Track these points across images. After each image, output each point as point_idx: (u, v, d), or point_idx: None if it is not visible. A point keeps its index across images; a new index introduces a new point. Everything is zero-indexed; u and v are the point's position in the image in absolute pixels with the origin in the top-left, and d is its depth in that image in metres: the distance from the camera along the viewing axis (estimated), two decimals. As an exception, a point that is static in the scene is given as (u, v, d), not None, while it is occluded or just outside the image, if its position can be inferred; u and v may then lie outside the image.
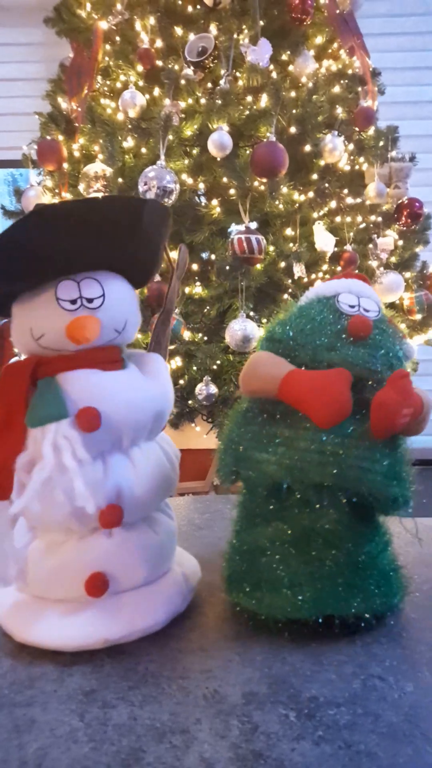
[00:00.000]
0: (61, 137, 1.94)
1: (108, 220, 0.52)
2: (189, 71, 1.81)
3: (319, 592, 0.50)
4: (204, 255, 1.83)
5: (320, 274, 1.86)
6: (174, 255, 0.67)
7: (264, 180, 1.67)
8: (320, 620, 0.51)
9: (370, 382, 0.52)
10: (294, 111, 1.76)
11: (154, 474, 0.55)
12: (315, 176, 1.85)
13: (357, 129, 1.96)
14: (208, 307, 1.81)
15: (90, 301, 0.53)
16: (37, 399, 0.51)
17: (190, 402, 1.74)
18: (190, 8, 1.92)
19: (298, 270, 1.75)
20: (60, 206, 0.52)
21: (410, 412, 0.48)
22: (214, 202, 1.80)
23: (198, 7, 1.91)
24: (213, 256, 1.78)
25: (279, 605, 0.51)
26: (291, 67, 1.89)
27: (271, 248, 1.78)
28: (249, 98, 1.76)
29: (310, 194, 1.86)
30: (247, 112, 1.75)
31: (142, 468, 0.54)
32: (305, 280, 1.79)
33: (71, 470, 0.49)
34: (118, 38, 1.96)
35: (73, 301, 0.52)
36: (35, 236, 0.49)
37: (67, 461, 0.49)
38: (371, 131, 2.00)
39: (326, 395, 0.49)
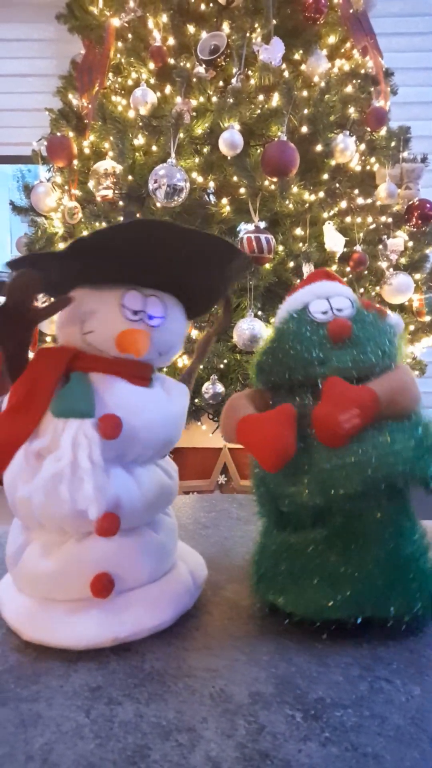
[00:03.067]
0: (71, 134, 1.94)
1: (203, 254, 0.53)
2: (201, 69, 1.81)
3: (358, 592, 0.49)
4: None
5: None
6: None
7: (274, 179, 1.67)
8: (359, 621, 0.50)
9: (372, 377, 0.52)
10: (306, 110, 1.76)
11: (153, 487, 0.55)
12: (326, 176, 1.84)
13: (369, 129, 1.95)
14: (215, 306, 1.81)
15: (151, 318, 0.54)
16: (67, 391, 0.51)
17: (196, 401, 1.74)
18: (202, 6, 1.91)
19: (308, 270, 1.75)
20: (165, 226, 0.53)
21: (354, 413, 0.48)
22: (224, 200, 1.80)
23: (211, 5, 1.90)
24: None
25: (317, 604, 0.50)
26: (303, 67, 1.89)
27: (281, 248, 1.77)
28: (261, 97, 1.76)
29: (321, 194, 1.85)
30: (259, 111, 1.74)
31: (143, 482, 0.54)
32: (314, 280, 1.78)
33: (84, 470, 0.49)
34: (130, 35, 1.96)
35: (136, 312, 0.53)
36: (133, 242, 0.50)
37: (82, 460, 0.49)
38: (383, 132, 1.99)
39: (265, 440, 0.49)
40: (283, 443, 0.49)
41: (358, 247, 1.86)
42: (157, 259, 0.52)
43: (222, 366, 1.74)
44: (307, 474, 0.50)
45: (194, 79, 1.76)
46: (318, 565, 0.51)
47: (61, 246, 1.87)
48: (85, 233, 1.78)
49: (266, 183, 1.71)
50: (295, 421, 0.50)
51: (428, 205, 1.96)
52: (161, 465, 0.59)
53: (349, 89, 1.90)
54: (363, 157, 1.97)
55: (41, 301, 0.55)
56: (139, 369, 0.56)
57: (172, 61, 1.87)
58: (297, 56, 1.92)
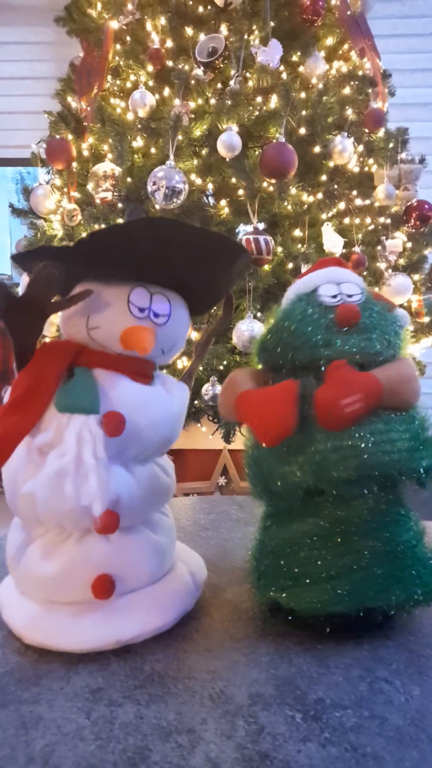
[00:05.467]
0: (70, 136, 1.94)
1: (209, 252, 0.53)
2: (199, 71, 1.81)
3: (358, 583, 0.49)
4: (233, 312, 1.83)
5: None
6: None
7: (273, 181, 1.67)
8: (361, 613, 0.50)
9: (375, 365, 0.52)
10: (304, 112, 1.76)
11: (151, 485, 0.55)
12: (324, 177, 1.84)
13: (367, 130, 1.96)
14: (215, 308, 1.81)
15: (156, 315, 0.54)
16: (72, 386, 0.51)
17: (196, 402, 1.74)
18: (200, 9, 1.91)
19: (306, 271, 1.75)
20: (175, 224, 0.53)
21: (356, 398, 0.48)
22: (223, 202, 1.80)
23: (209, 7, 1.91)
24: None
25: (319, 600, 0.50)
26: (301, 68, 1.89)
27: (279, 249, 1.77)
28: (259, 99, 1.76)
29: (319, 195, 1.86)
30: (257, 113, 1.74)
31: (141, 481, 0.54)
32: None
33: (88, 466, 0.49)
34: (128, 38, 1.96)
35: (142, 310, 0.54)
36: (142, 239, 0.50)
37: (86, 456, 0.49)
38: (381, 133, 2.00)
39: (267, 414, 0.50)
40: (285, 418, 0.49)
41: (356, 249, 1.86)
42: (164, 256, 0.52)
43: (221, 367, 1.74)
44: (302, 455, 0.50)
45: (192, 82, 1.77)
46: (316, 560, 0.51)
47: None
48: (84, 235, 1.78)
49: (265, 184, 1.71)
50: (297, 396, 0.50)
51: (426, 206, 1.96)
52: (158, 463, 0.59)
53: (347, 91, 1.90)
54: (361, 159, 1.97)
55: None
56: (142, 366, 0.56)
57: (170, 63, 1.88)
58: (295, 58, 1.93)
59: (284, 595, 0.52)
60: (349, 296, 0.55)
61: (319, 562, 0.51)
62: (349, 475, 0.48)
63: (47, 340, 1.73)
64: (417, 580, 0.51)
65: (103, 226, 1.76)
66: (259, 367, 0.59)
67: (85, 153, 1.90)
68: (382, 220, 1.99)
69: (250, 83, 1.79)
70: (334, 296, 0.55)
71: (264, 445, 0.51)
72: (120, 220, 1.77)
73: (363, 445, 0.48)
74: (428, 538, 0.54)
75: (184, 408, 0.60)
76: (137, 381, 0.54)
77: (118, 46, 1.97)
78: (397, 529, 0.51)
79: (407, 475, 0.49)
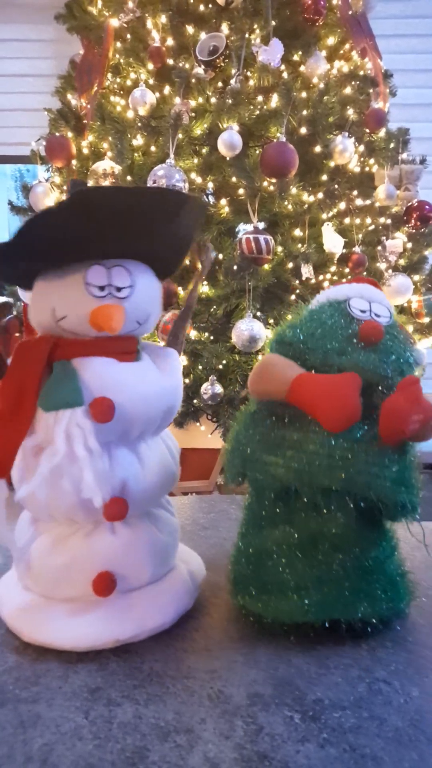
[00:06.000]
0: (70, 134, 1.94)
1: (149, 211, 0.51)
2: (200, 70, 1.81)
3: (325, 596, 0.50)
4: (213, 254, 1.83)
5: (328, 276, 1.85)
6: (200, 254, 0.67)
7: (273, 180, 1.67)
8: (326, 624, 0.51)
9: (380, 388, 0.52)
10: (305, 112, 1.76)
11: (158, 468, 0.55)
12: (325, 177, 1.84)
13: (368, 130, 1.96)
14: (214, 307, 1.81)
15: (119, 290, 0.52)
16: (53, 383, 0.50)
17: (195, 401, 1.74)
18: (201, 7, 1.91)
19: (306, 271, 1.75)
20: (106, 191, 0.51)
21: (420, 418, 0.48)
22: (223, 201, 1.80)
23: (210, 6, 1.90)
24: (221, 256, 1.78)
25: (285, 609, 0.51)
26: (302, 68, 1.89)
27: (280, 249, 1.77)
28: (260, 98, 1.76)
29: (320, 195, 1.86)
30: (258, 112, 1.74)
31: (147, 462, 0.54)
32: (313, 281, 1.78)
33: (81, 460, 0.48)
34: (129, 36, 1.96)
35: (102, 288, 0.52)
36: (76, 217, 0.48)
37: (78, 450, 0.48)
38: (382, 133, 2.00)
39: (336, 399, 0.49)
40: (355, 405, 0.48)
41: (357, 249, 1.86)
42: (108, 227, 0.49)
43: (221, 367, 1.74)
44: (292, 449, 0.51)
45: (193, 80, 1.76)
46: (285, 570, 0.51)
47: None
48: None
49: (265, 184, 1.71)
50: (360, 388, 0.50)
51: (427, 207, 1.96)
52: (166, 442, 0.58)
53: (348, 91, 1.90)
54: (362, 159, 1.97)
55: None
56: (123, 344, 0.54)
57: (171, 61, 1.87)
58: (296, 57, 1.92)
59: (254, 602, 0.53)
60: (377, 316, 0.56)
61: (288, 572, 0.51)
62: (332, 485, 0.49)
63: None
64: (384, 595, 0.52)
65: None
66: None
67: (85, 151, 1.89)
68: (382, 220, 1.99)
69: (251, 82, 1.79)
70: (363, 311, 0.56)
71: (330, 430, 0.50)
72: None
73: (354, 462, 0.48)
74: (429, 540, 0.54)
75: (177, 373, 0.58)
76: (124, 360, 0.53)
77: (118, 44, 1.97)
78: (367, 545, 0.52)
79: (384, 504, 0.49)
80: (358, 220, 1.94)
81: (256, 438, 0.53)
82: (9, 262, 0.51)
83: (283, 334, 0.56)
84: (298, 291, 1.81)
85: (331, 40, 2.01)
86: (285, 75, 1.81)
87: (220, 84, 1.85)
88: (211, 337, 1.82)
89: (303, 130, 1.76)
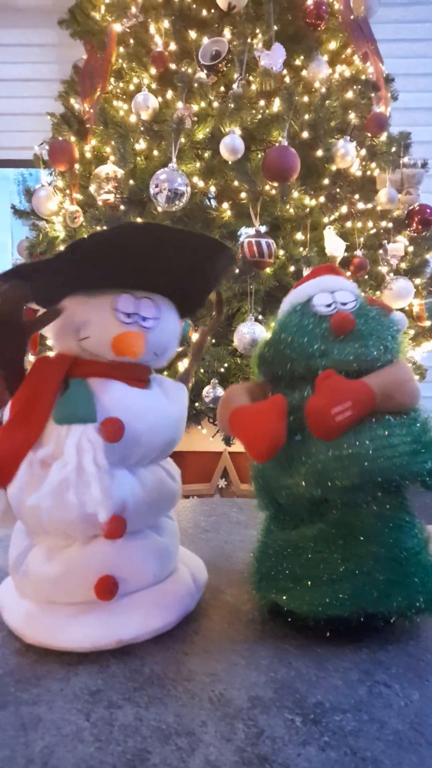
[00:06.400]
0: (73, 138, 1.94)
1: (188, 254, 0.54)
2: (202, 75, 1.82)
3: (359, 588, 0.49)
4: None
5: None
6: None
7: (275, 184, 1.67)
8: (361, 618, 0.50)
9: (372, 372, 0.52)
10: (306, 116, 1.76)
11: (157, 490, 0.56)
12: (326, 181, 1.85)
13: (369, 134, 1.96)
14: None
15: (144, 319, 0.55)
16: (68, 398, 0.52)
17: (196, 404, 1.74)
18: (204, 12, 1.92)
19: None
20: (151, 228, 0.54)
21: (346, 406, 0.48)
22: (225, 205, 1.80)
23: (212, 11, 1.91)
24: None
25: (319, 602, 0.50)
26: (304, 72, 1.89)
27: (281, 252, 1.78)
28: (262, 102, 1.76)
29: (321, 199, 1.86)
30: (260, 117, 1.75)
31: (146, 484, 0.55)
32: (314, 284, 1.78)
33: (90, 474, 0.49)
34: (131, 41, 1.97)
35: (129, 315, 0.54)
36: (121, 246, 0.50)
37: (87, 465, 0.49)
38: (383, 137, 2.00)
39: (256, 430, 0.50)
40: (273, 433, 0.49)
41: (358, 252, 1.87)
42: (146, 261, 0.52)
43: (222, 370, 1.74)
44: (304, 465, 0.50)
45: (195, 85, 1.77)
46: (318, 563, 0.51)
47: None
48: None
49: (267, 188, 1.71)
50: (285, 411, 0.50)
51: (428, 210, 1.97)
52: (164, 467, 0.59)
53: (349, 95, 1.91)
54: (363, 163, 1.98)
55: (35, 311, 0.55)
56: (137, 371, 0.57)
57: (173, 66, 1.88)
58: (298, 62, 1.93)
59: (284, 597, 0.52)
60: (344, 304, 0.56)
61: (322, 566, 0.51)
62: (352, 482, 0.48)
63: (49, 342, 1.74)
64: (420, 587, 0.51)
65: (105, 227, 1.77)
66: (260, 379, 0.59)
67: (88, 155, 1.90)
68: (383, 223, 2.00)
69: (253, 87, 1.79)
70: (329, 305, 0.55)
71: (255, 460, 0.51)
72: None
73: (363, 452, 0.48)
74: (427, 532, 0.54)
75: (184, 408, 0.60)
76: (133, 386, 0.55)
77: (121, 49, 1.98)
78: (401, 536, 0.51)
79: (410, 479, 0.49)
80: (359, 224, 1.94)
81: (269, 464, 0.53)
82: (47, 278, 0.52)
83: (262, 354, 0.57)
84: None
85: (332, 45, 2.02)
86: (287, 79, 1.81)
87: (222, 88, 1.86)
88: (213, 340, 1.83)
89: (305, 134, 1.77)
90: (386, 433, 0.49)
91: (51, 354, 0.56)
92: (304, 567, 0.52)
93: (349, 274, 1.85)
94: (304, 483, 0.50)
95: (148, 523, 0.56)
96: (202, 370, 1.74)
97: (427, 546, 0.54)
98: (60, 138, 1.94)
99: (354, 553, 0.50)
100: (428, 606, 0.51)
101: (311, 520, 0.53)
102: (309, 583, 0.51)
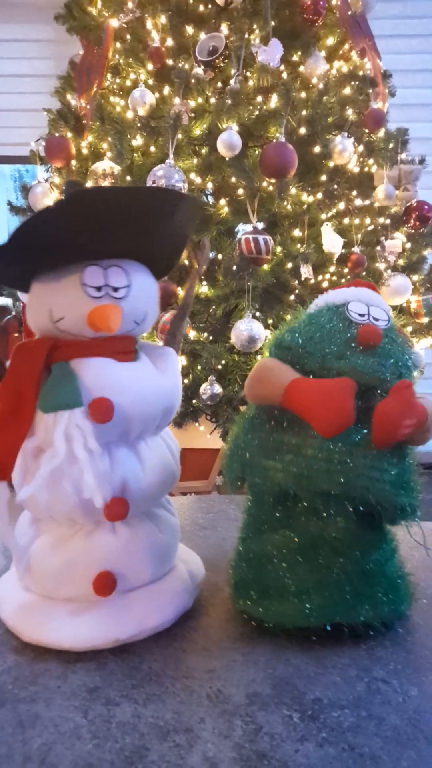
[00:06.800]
0: (69, 134, 1.94)
1: (145, 210, 0.51)
2: (199, 70, 1.81)
3: (326, 600, 0.50)
4: (211, 254, 1.83)
5: (327, 276, 1.85)
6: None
7: (272, 180, 1.67)
8: (328, 628, 0.51)
9: (378, 391, 0.52)
10: (304, 112, 1.76)
11: (159, 468, 0.55)
12: (324, 177, 1.84)
13: (367, 131, 1.96)
14: (213, 307, 1.81)
15: (115, 290, 0.52)
16: (51, 384, 0.50)
17: (194, 401, 1.74)
18: (201, 7, 1.91)
19: (306, 271, 1.75)
20: (100, 191, 0.52)
21: (413, 422, 0.48)
22: (222, 201, 1.80)
23: (209, 6, 1.90)
24: (220, 256, 1.78)
25: (286, 613, 0.51)
26: (302, 68, 1.89)
27: (279, 249, 1.77)
28: (259, 98, 1.76)
29: (319, 195, 1.86)
30: (257, 113, 1.74)
31: (147, 462, 0.54)
32: (312, 281, 1.79)
33: (82, 461, 0.48)
34: (128, 36, 1.96)
35: (99, 288, 0.52)
36: (71, 219, 0.48)
37: (78, 452, 0.48)
38: (381, 133, 1.99)
39: (330, 404, 0.49)
40: (349, 410, 0.48)
41: (356, 249, 1.86)
42: (103, 227, 0.49)
43: (220, 367, 1.74)
44: (291, 454, 0.51)
45: (193, 80, 1.76)
46: (285, 574, 0.51)
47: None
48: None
49: (264, 184, 1.71)
50: (354, 393, 0.50)
51: (426, 207, 1.97)
52: (166, 441, 0.58)
53: (347, 91, 1.90)
54: (361, 159, 1.97)
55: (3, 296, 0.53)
56: (121, 344, 0.55)
57: (170, 62, 1.87)
58: (295, 58, 1.92)
59: (257, 607, 0.53)
60: (376, 320, 0.56)
61: (289, 577, 0.51)
62: (332, 489, 0.49)
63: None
64: (385, 598, 0.52)
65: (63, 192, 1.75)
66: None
67: (85, 151, 1.89)
68: (381, 220, 1.99)
69: (251, 82, 1.79)
70: (362, 315, 0.56)
71: (322, 435, 0.50)
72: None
73: (353, 465, 0.48)
74: (429, 541, 0.55)
75: (176, 372, 0.58)
76: (122, 360, 0.53)
77: (118, 44, 1.97)
78: (367, 548, 0.52)
79: (383, 507, 0.49)
80: (357, 221, 1.94)
81: (255, 443, 0.53)
82: (5, 263, 0.51)
83: (282, 338, 0.56)
84: (297, 291, 1.81)
85: (330, 41, 2.01)
86: (284, 75, 1.81)
87: (219, 84, 1.85)
88: (210, 338, 1.82)
89: (302, 131, 1.77)
90: (379, 456, 0.49)
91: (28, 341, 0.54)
92: (272, 578, 0.52)
93: (347, 270, 1.85)
94: (282, 472, 0.50)
95: (152, 502, 0.56)
96: (199, 367, 1.74)
97: (394, 555, 0.55)
98: (56, 134, 1.93)
99: (320, 565, 0.51)
100: (393, 615, 0.53)
101: (279, 524, 0.53)
102: (277, 594, 0.52)
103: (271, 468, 0.51)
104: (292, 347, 0.55)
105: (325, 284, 1.82)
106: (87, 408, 0.50)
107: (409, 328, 1.98)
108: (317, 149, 1.79)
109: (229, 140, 1.63)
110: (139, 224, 0.51)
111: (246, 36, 1.80)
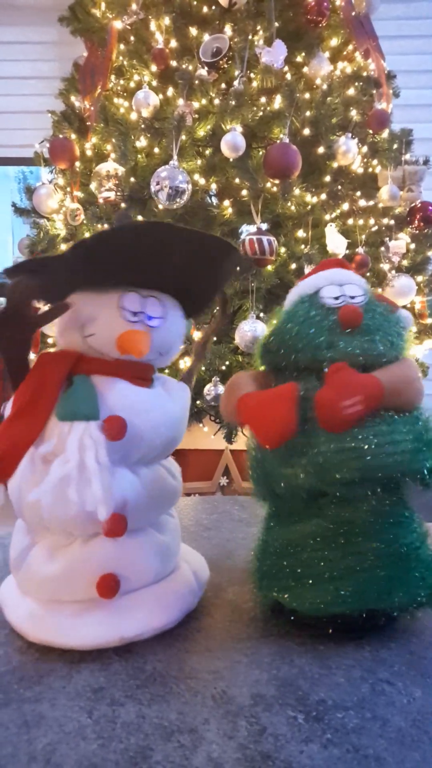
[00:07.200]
0: (73, 136, 1.94)
1: (198, 253, 0.54)
2: (203, 72, 1.81)
3: (361, 585, 0.49)
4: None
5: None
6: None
7: (276, 181, 1.67)
8: (364, 615, 0.50)
9: (378, 367, 0.52)
10: (308, 113, 1.76)
11: (158, 488, 0.56)
12: (328, 178, 1.84)
13: (371, 131, 1.96)
14: (218, 308, 1.81)
15: (150, 318, 0.55)
16: (71, 394, 0.52)
17: (198, 402, 1.74)
18: (205, 9, 1.91)
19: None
20: (163, 226, 0.54)
21: (356, 400, 0.48)
22: (226, 202, 1.80)
23: (213, 8, 1.91)
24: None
25: (321, 600, 0.50)
26: (305, 69, 1.89)
27: (283, 250, 1.77)
28: (263, 99, 1.76)
29: (323, 196, 1.86)
30: (261, 114, 1.74)
31: (146, 482, 0.55)
32: (316, 282, 1.78)
33: (91, 472, 0.49)
34: (132, 38, 1.97)
35: (135, 314, 0.54)
36: (130, 244, 0.50)
37: (89, 462, 0.49)
38: (385, 134, 1.99)
39: (267, 416, 0.50)
40: (286, 421, 0.49)
41: (360, 249, 1.86)
42: (154, 260, 0.52)
43: (224, 368, 1.74)
44: (304, 456, 0.50)
45: (196, 82, 1.76)
46: (319, 561, 0.51)
47: (63, 248, 1.88)
48: (87, 235, 1.78)
49: (268, 185, 1.71)
50: (298, 400, 0.50)
51: (430, 208, 1.96)
52: (165, 466, 0.59)
53: (351, 92, 1.90)
54: (365, 160, 1.97)
55: (41, 306, 0.55)
56: (141, 370, 0.57)
57: (174, 63, 1.88)
58: (299, 59, 1.92)
59: (286, 595, 0.52)
60: (352, 298, 0.55)
61: (322, 563, 0.51)
62: (352, 476, 0.48)
63: (50, 340, 1.73)
64: (420, 582, 0.51)
65: (105, 225, 1.77)
66: (262, 368, 0.59)
67: (89, 152, 1.90)
68: (385, 221, 1.99)
69: (254, 84, 1.79)
70: (337, 298, 0.55)
71: (266, 447, 0.51)
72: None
73: (366, 447, 0.47)
74: (426, 527, 0.54)
75: (186, 408, 0.60)
76: (136, 385, 0.55)
77: (122, 46, 1.98)
78: (400, 531, 0.51)
79: (410, 477, 0.49)
80: (361, 221, 1.94)
81: (269, 453, 0.53)
82: (53, 274, 0.52)
83: (267, 344, 0.57)
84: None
85: (334, 42, 2.01)
86: (288, 76, 1.81)
87: (223, 85, 1.86)
88: (215, 338, 1.82)
89: (306, 132, 1.77)
90: (389, 429, 0.48)
91: (53, 350, 0.56)
92: (305, 565, 0.51)
93: (351, 271, 1.85)
94: (303, 474, 0.50)
95: (149, 521, 0.56)
96: (203, 368, 1.74)
97: (426, 540, 0.53)
98: (60, 136, 1.94)
99: (354, 550, 0.50)
100: (429, 600, 0.51)
101: (309, 514, 0.53)
102: (310, 581, 0.51)
103: (291, 475, 0.51)
104: (278, 350, 0.55)
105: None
106: (102, 423, 0.51)
107: (414, 329, 1.98)
108: (321, 150, 1.79)
109: (232, 141, 1.63)
110: (186, 265, 0.54)
111: (250, 37, 1.80)
